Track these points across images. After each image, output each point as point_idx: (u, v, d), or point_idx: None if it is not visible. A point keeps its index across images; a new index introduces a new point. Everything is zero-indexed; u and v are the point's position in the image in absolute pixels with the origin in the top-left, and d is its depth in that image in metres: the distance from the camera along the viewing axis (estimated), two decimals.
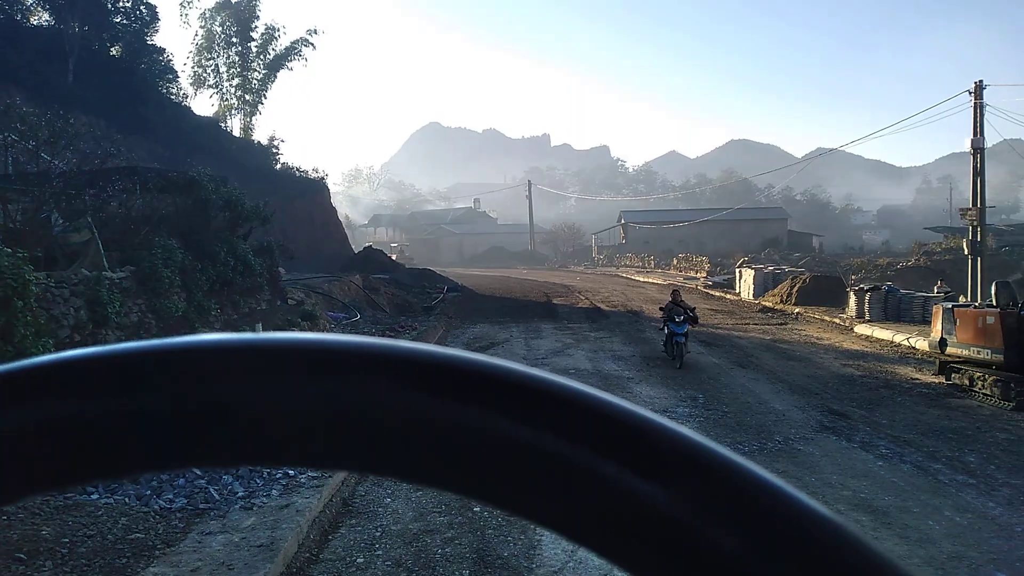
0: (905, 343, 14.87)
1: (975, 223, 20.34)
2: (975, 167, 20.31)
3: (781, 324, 18.54)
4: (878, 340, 15.74)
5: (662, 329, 12.82)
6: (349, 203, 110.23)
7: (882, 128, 68.88)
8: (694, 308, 12.96)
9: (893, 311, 18.27)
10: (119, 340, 1.33)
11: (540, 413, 0.22)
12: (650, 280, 37.36)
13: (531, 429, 0.22)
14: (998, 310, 9.80)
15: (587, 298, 26.50)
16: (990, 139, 20.74)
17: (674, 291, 13.03)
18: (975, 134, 20.06)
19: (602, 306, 23.35)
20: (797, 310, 20.82)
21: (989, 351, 9.85)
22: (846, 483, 6.64)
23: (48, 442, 0.24)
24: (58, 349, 4.72)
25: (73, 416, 0.24)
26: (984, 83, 20.36)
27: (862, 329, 17.03)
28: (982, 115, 20.00)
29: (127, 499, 5.83)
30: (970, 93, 20.36)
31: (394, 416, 0.22)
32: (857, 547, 0.22)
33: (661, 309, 12.60)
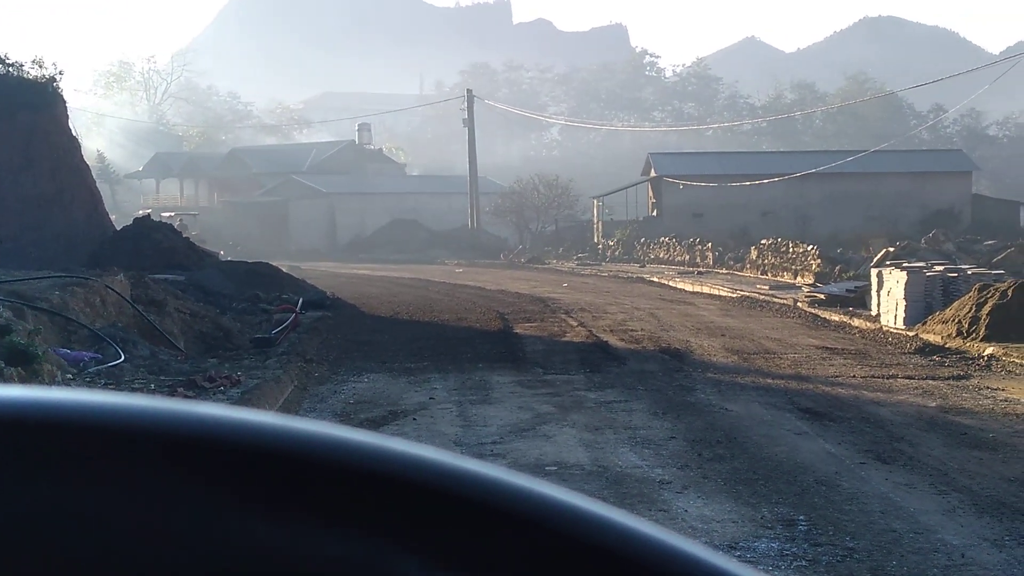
0: None
1: None
2: None
3: (957, 378, 18.81)
4: None
5: None
6: (105, 130, 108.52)
7: None
8: None
9: None
10: None
11: (496, 545, 0.23)
12: (705, 289, 37.65)
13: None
14: None
15: (582, 323, 26.56)
16: None
17: None
18: None
19: (611, 339, 23.40)
20: (988, 350, 21.14)
21: None
22: None
23: None
24: None
25: None
26: None
27: None
28: None
29: None
30: None
31: (205, 551, 0.24)
32: None
33: None
